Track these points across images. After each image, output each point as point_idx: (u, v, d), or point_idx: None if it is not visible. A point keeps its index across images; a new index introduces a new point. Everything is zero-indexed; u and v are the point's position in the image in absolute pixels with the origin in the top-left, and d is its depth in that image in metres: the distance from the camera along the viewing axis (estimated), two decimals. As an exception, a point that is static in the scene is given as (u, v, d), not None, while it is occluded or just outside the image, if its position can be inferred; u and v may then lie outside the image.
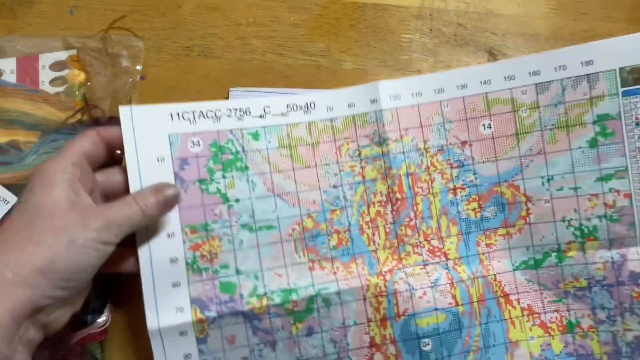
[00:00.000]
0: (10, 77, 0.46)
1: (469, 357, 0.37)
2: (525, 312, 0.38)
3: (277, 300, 0.36)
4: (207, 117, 0.37)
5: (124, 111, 0.35)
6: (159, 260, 0.35)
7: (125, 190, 0.35)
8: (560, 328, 0.38)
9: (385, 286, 0.37)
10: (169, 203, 0.35)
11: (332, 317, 0.37)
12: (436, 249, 0.38)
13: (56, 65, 0.47)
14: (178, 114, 0.36)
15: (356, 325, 0.37)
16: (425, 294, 0.37)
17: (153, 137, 0.36)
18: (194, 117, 0.36)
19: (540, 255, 0.37)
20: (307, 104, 0.38)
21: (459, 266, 0.38)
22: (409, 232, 0.38)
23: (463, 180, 0.38)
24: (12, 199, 0.42)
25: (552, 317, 0.38)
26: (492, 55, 0.49)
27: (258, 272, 0.37)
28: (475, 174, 0.38)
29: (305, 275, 0.37)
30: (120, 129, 0.35)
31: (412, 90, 0.38)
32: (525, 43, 0.49)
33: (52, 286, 0.29)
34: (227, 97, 0.46)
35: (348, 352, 0.37)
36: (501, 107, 0.37)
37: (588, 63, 0.36)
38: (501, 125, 0.37)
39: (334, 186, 0.38)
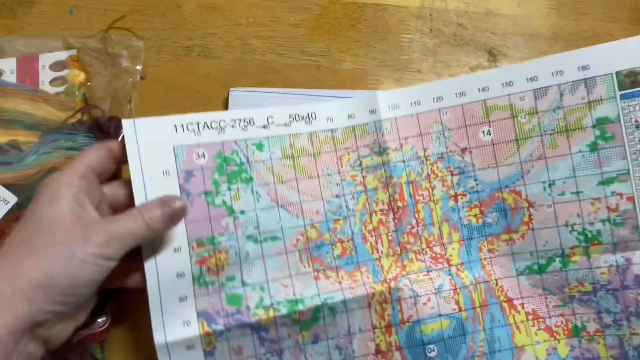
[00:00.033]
0: (10, 77, 0.46)
1: None
2: (530, 317, 0.38)
3: (284, 311, 0.36)
4: (212, 127, 0.36)
5: (127, 125, 0.35)
6: (166, 275, 0.34)
7: (132, 203, 0.34)
8: (566, 332, 0.38)
9: (389, 293, 0.37)
10: (176, 216, 0.34)
11: (337, 324, 0.37)
12: (438, 256, 0.38)
13: (56, 65, 0.47)
14: (182, 126, 0.36)
15: (361, 332, 0.37)
16: (429, 300, 0.37)
17: (157, 150, 0.35)
18: (199, 128, 0.36)
19: (544, 261, 0.37)
20: (308, 114, 0.38)
21: (462, 272, 0.38)
22: (411, 239, 0.38)
23: (464, 187, 0.38)
24: (12, 199, 0.42)
25: (557, 321, 0.38)
26: (492, 55, 0.49)
27: (264, 283, 0.37)
28: (476, 180, 0.38)
29: (311, 285, 0.37)
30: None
31: (410, 99, 0.38)
32: (525, 43, 0.49)
33: (51, 301, 0.29)
34: (227, 97, 0.46)
35: (354, 359, 0.37)
36: (500, 113, 0.37)
37: (585, 68, 0.36)
38: (501, 132, 0.38)
39: (336, 196, 0.38)
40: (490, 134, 0.38)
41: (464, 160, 0.38)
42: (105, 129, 0.44)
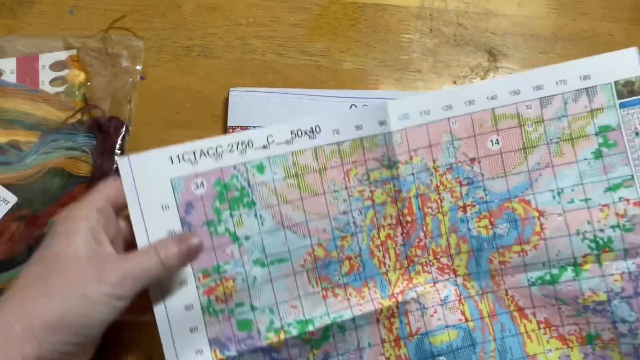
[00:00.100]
0: (10, 77, 0.46)
1: None
2: (542, 325, 0.38)
3: (294, 332, 0.36)
4: (208, 155, 0.35)
5: (122, 162, 0.34)
6: (174, 308, 0.34)
7: None
8: (579, 340, 0.37)
9: (397, 307, 0.37)
10: (192, 254, 0.33)
11: (347, 340, 0.37)
12: (445, 267, 0.38)
13: (56, 65, 0.47)
14: (178, 157, 0.35)
15: (371, 347, 0.37)
16: (436, 311, 0.37)
17: (155, 185, 0.34)
18: (195, 157, 0.35)
19: (557, 270, 0.37)
20: (312, 128, 0.37)
21: (468, 282, 0.38)
22: (419, 252, 0.38)
23: (473, 197, 0.38)
24: (12, 199, 0.42)
25: (570, 330, 0.37)
26: (492, 55, 0.49)
27: (273, 306, 0.36)
28: (485, 190, 0.38)
29: (319, 304, 0.37)
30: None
31: (420, 108, 0.38)
32: (525, 43, 0.49)
33: (61, 342, 0.29)
34: (227, 97, 0.46)
35: None
36: (508, 122, 0.37)
37: (586, 77, 0.37)
38: (508, 140, 0.37)
39: (344, 212, 0.37)
40: (498, 143, 0.37)
41: (473, 171, 0.38)
42: (105, 129, 0.44)
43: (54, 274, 0.30)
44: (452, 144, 0.38)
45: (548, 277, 0.37)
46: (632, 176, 0.36)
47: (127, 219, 0.34)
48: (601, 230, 0.36)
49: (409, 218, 0.37)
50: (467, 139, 0.38)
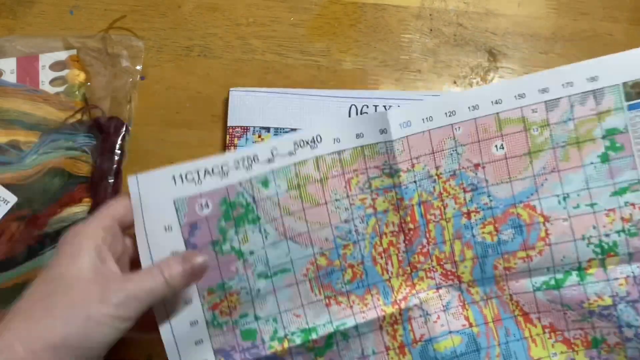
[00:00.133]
0: (10, 77, 0.46)
1: None
2: (547, 330, 0.38)
3: (298, 341, 0.36)
4: (213, 173, 0.35)
5: (131, 180, 0.34)
6: (179, 326, 0.34)
7: None
8: (585, 344, 0.37)
9: (400, 314, 0.37)
10: (197, 273, 0.33)
11: (351, 348, 0.37)
12: (449, 273, 0.38)
13: (56, 65, 0.47)
14: (181, 176, 0.34)
15: (375, 354, 0.37)
16: (439, 318, 0.37)
17: (158, 205, 0.34)
18: (199, 177, 0.35)
19: (561, 275, 0.37)
20: (313, 138, 0.36)
21: (472, 288, 0.38)
22: (422, 258, 0.38)
23: (477, 203, 0.37)
24: (12, 199, 0.42)
25: (576, 334, 0.37)
26: (492, 55, 0.49)
27: (276, 315, 0.36)
28: (489, 196, 0.37)
29: (323, 312, 0.37)
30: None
31: (422, 115, 0.37)
32: (525, 43, 0.49)
33: None
34: (227, 97, 0.46)
35: None
36: (513, 126, 0.37)
37: (593, 79, 0.36)
38: (513, 145, 0.37)
39: (345, 221, 0.37)
40: (503, 148, 0.37)
41: (477, 177, 0.37)
42: (105, 129, 0.44)
43: (57, 295, 0.29)
44: (456, 150, 0.37)
45: (553, 282, 0.37)
46: (639, 180, 0.36)
47: (134, 236, 0.34)
48: (607, 235, 0.36)
49: (411, 225, 0.37)
50: (471, 145, 0.37)
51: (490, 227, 0.37)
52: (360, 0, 0.50)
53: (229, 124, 0.46)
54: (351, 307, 0.37)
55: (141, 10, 0.49)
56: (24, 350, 0.28)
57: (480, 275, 0.38)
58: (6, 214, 0.41)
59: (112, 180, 0.44)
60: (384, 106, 0.46)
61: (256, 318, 0.36)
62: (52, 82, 0.46)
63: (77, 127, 0.45)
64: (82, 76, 0.47)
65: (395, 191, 0.37)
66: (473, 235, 0.37)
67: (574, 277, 0.37)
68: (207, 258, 0.33)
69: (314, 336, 0.36)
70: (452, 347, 0.37)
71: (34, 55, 0.47)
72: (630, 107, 0.36)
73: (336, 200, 0.37)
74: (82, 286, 0.30)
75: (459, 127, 0.37)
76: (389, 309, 0.37)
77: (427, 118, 0.37)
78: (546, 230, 0.37)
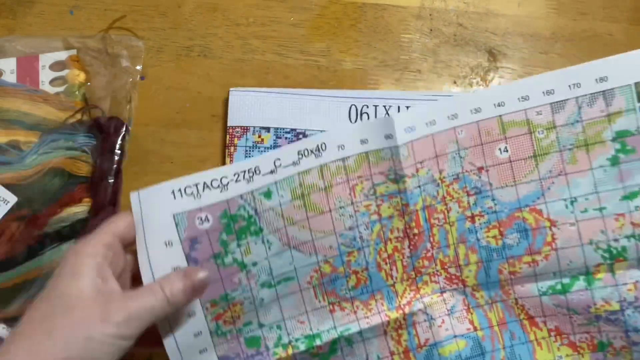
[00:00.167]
0: (10, 77, 0.46)
1: None
2: (553, 333, 0.37)
3: (302, 347, 0.36)
4: (213, 187, 0.34)
5: (133, 196, 0.33)
6: (183, 337, 0.34)
7: None
8: (591, 347, 0.37)
9: (404, 319, 0.37)
10: (198, 289, 0.32)
11: (355, 353, 0.37)
12: (453, 277, 0.37)
13: (56, 65, 0.47)
14: (180, 191, 0.34)
15: (380, 359, 0.37)
16: (443, 322, 0.37)
17: (158, 220, 0.33)
18: (198, 191, 0.34)
19: (568, 280, 0.36)
20: (317, 146, 0.36)
21: (477, 292, 0.38)
22: (426, 263, 0.37)
23: (481, 207, 0.37)
24: (12, 199, 0.42)
25: (582, 337, 0.37)
26: (492, 55, 0.49)
27: (280, 322, 0.36)
28: (494, 200, 0.37)
29: (327, 318, 0.37)
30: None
31: (425, 119, 0.37)
32: (525, 43, 0.49)
33: None
34: (227, 97, 0.46)
35: None
36: (517, 129, 0.36)
37: (602, 79, 0.35)
38: (518, 148, 0.36)
39: (350, 228, 0.36)
40: (507, 151, 0.36)
41: (480, 180, 0.37)
42: (105, 129, 0.44)
43: (58, 315, 0.29)
44: (459, 153, 0.37)
45: (559, 287, 0.36)
46: None
47: (135, 252, 0.34)
48: (615, 240, 0.35)
49: (416, 230, 0.37)
50: (474, 148, 0.37)
51: (495, 231, 0.37)
52: (360, 0, 0.50)
53: (229, 124, 0.46)
54: (355, 312, 0.37)
55: (141, 10, 0.49)
56: None
57: (485, 280, 0.37)
58: (6, 214, 0.41)
59: (112, 180, 0.44)
60: (384, 106, 0.46)
61: (260, 325, 0.36)
62: (52, 82, 0.46)
63: (77, 127, 0.45)
64: (82, 76, 0.47)
65: (401, 197, 0.36)
66: (477, 239, 0.37)
67: (581, 282, 0.36)
68: (208, 273, 0.33)
69: (318, 342, 0.36)
70: (457, 351, 0.37)
71: (34, 55, 0.47)
72: None
73: (340, 207, 0.36)
74: (83, 306, 0.29)
75: (462, 131, 0.36)
76: (393, 314, 0.37)
77: (430, 122, 0.37)
78: (552, 234, 0.36)
